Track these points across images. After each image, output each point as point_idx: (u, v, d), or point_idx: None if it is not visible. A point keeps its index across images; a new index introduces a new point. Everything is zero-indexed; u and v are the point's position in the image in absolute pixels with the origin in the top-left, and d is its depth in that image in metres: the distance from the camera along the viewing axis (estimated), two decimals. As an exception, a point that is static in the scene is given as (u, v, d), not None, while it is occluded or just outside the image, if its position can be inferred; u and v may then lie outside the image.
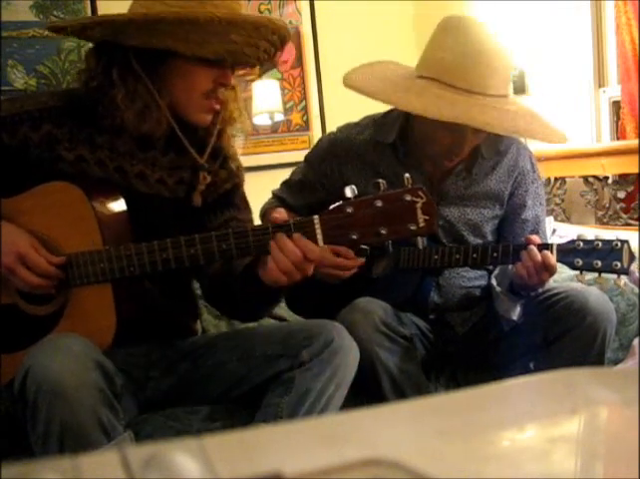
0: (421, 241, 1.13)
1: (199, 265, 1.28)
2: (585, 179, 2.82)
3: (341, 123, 1.77)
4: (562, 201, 2.95)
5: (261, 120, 3.47)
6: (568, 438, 0.53)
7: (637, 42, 2.70)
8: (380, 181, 1.12)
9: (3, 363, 1.30)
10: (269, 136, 3.59)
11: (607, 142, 2.96)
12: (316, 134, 3.60)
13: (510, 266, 1.56)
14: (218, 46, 1.26)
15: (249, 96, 3.32)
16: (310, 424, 0.63)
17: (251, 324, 1.86)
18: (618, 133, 2.90)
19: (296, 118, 3.67)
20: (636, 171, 2.48)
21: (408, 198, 1.09)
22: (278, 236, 1.15)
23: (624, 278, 1.45)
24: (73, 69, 3.13)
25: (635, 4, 2.70)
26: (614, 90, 2.96)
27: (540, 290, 1.57)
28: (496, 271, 1.65)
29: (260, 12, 3.54)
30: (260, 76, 3.39)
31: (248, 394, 1.38)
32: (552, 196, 2.92)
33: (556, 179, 2.94)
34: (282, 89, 3.57)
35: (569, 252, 1.46)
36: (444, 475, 0.43)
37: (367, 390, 1.45)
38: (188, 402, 1.43)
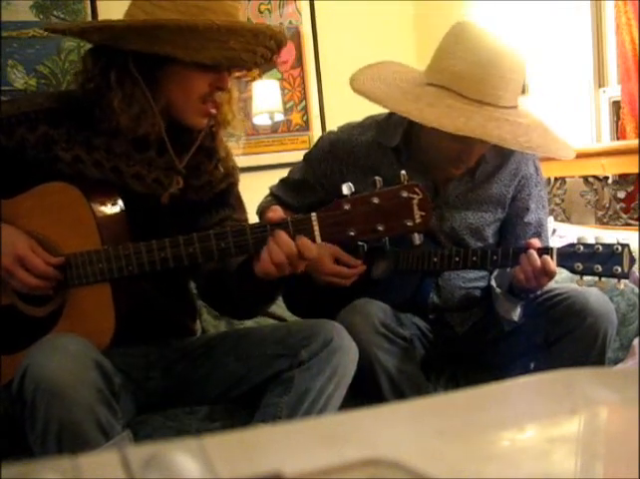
0: (417, 238, 1.13)
1: (197, 264, 1.28)
2: (585, 179, 2.82)
3: (341, 123, 1.76)
4: (562, 201, 2.95)
5: (261, 120, 3.47)
6: (568, 438, 0.53)
7: (637, 42, 2.70)
8: (376, 178, 1.12)
9: (3, 364, 1.30)
10: (269, 136, 3.60)
11: (607, 142, 2.96)
12: (316, 134, 3.60)
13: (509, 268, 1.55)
14: (216, 52, 1.27)
15: (249, 96, 3.32)
16: (310, 424, 0.63)
17: (250, 324, 1.86)
18: (618, 133, 2.89)
19: (296, 118, 3.67)
20: (636, 171, 2.48)
21: (404, 194, 1.10)
22: (278, 231, 1.16)
23: (624, 281, 1.45)
24: (73, 69, 3.13)
25: (635, 4, 2.70)
26: (614, 90, 2.96)
27: (541, 291, 1.57)
28: (496, 273, 1.65)
29: (260, 12, 3.54)
30: (260, 76, 3.39)
31: (247, 394, 1.38)
32: (552, 196, 2.91)
33: (556, 179, 2.94)
34: (282, 89, 3.57)
35: (569, 257, 1.45)
36: (444, 475, 0.43)
37: (366, 392, 1.45)
38: (188, 402, 1.43)
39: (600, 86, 3.04)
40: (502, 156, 1.65)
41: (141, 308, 1.33)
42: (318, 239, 1.15)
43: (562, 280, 1.81)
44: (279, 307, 1.91)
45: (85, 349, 1.16)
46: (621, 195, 2.70)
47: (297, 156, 1.86)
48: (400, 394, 1.49)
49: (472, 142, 1.47)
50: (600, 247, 1.42)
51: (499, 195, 1.67)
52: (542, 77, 3.05)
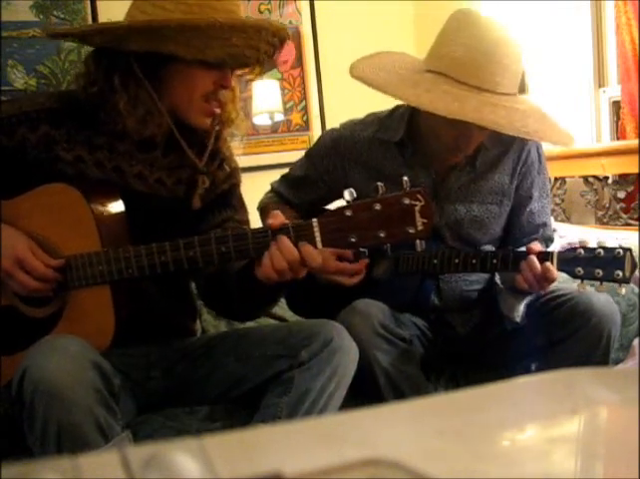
0: (419, 245, 1.13)
1: (199, 268, 1.28)
2: (585, 179, 2.82)
3: (340, 123, 1.76)
4: (562, 201, 2.95)
5: (261, 120, 3.47)
6: (568, 438, 0.53)
7: (637, 42, 2.70)
8: (379, 184, 1.12)
9: (2, 365, 1.30)
10: (269, 136, 3.59)
11: (607, 142, 2.96)
12: (316, 134, 3.60)
13: None
14: (220, 50, 1.27)
15: (249, 96, 3.31)
16: (310, 424, 0.63)
17: (250, 324, 1.86)
18: (618, 133, 2.89)
19: (296, 118, 3.67)
20: (636, 171, 2.48)
21: (406, 201, 1.10)
22: (280, 237, 1.16)
23: (625, 285, 1.43)
24: (73, 69, 3.13)
25: (635, 4, 2.70)
26: (614, 90, 2.96)
27: (543, 292, 1.57)
28: None
29: (260, 12, 3.54)
30: (260, 76, 3.39)
31: (248, 394, 1.38)
32: (552, 196, 2.91)
33: (556, 179, 2.93)
34: (282, 89, 3.56)
35: (570, 261, 1.43)
36: (444, 475, 0.43)
37: (366, 392, 1.45)
38: (188, 402, 1.43)
39: (600, 86, 3.04)
40: (504, 144, 1.65)
41: (141, 309, 1.32)
42: (319, 244, 1.15)
43: (564, 281, 1.80)
44: (280, 307, 1.91)
45: (84, 350, 1.16)
46: (621, 195, 2.70)
47: (297, 156, 1.85)
48: (400, 395, 1.49)
49: (467, 128, 1.47)
50: (602, 252, 1.40)
51: (503, 184, 1.66)
52: (542, 77, 3.05)
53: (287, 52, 3.57)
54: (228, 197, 1.47)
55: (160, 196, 1.39)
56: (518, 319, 1.56)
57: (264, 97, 3.40)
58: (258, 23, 1.33)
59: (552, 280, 1.45)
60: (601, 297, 1.50)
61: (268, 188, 1.86)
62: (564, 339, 1.51)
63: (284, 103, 3.59)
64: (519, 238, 1.70)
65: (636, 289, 1.94)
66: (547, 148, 1.67)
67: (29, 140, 1.32)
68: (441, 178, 1.64)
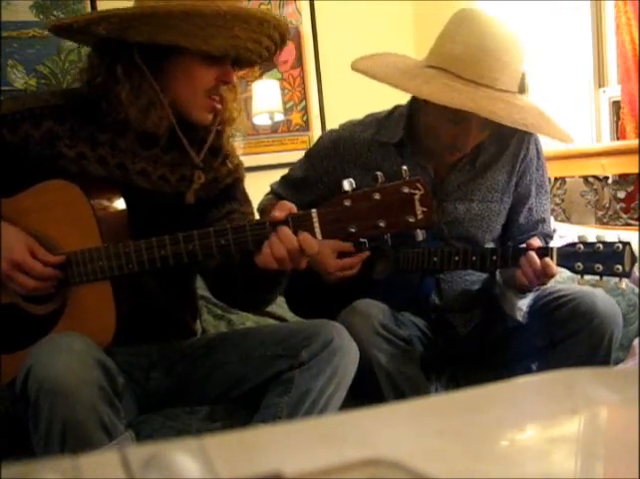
0: (420, 234, 1.12)
1: (198, 262, 1.28)
2: (585, 179, 2.82)
3: (340, 123, 1.76)
4: (562, 201, 2.95)
5: (261, 120, 3.47)
6: (568, 438, 0.53)
7: (637, 42, 2.70)
8: (378, 173, 1.11)
9: (3, 363, 1.30)
10: (269, 136, 3.59)
11: (607, 142, 2.96)
12: (316, 134, 3.60)
13: None
14: (223, 41, 1.27)
15: (249, 96, 3.32)
16: (310, 424, 0.63)
17: (250, 325, 1.86)
18: (618, 133, 2.89)
19: (296, 118, 3.67)
20: (636, 171, 2.48)
21: (405, 190, 1.09)
22: (280, 226, 1.16)
23: (625, 280, 1.43)
24: (73, 69, 3.13)
25: (635, 4, 2.70)
26: (614, 90, 2.96)
27: (546, 292, 1.56)
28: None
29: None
30: (260, 76, 3.39)
31: (248, 394, 1.38)
32: (552, 196, 2.91)
33: (556, 179, 2.93)
34: (282, 89, 3.56)
35: (570, 256, 1.43)
36: (444, 475, 0.43)
37: (366, 393, 1.44)
38: (188, 402, 1.43)
39: (600, 86, 3.04)
40: (502, 141, 1.65)
41: (142, 306, 1.33)
42: (319, 235, 1.15)
43: (564, 280, 1.80)
44: (280, 307, 1.91)
45: (88, 349, 1.16)
46: (621, 195, 2.70)
47: (297, 156, 1.86)
48: (400, 395, 1.49)
49: (469, 124, 1.48)
50: (601, 246, 1.40)
51: (503, 182, 1.66)
52: (542, 77, 3.05)
53: (287, 52, 3.57)
54: (232, 190, 1.48)
55: (163, 192, 1.39)
56: (521, 318, 1.56)
57: (264, 97, 3.41)
58: (261, 15, 1.33)
59: (552, 276, 1.45)
60: (604, 298, 1.50)
61: (268, 188, 1.86)
62: (566, 340, 1.51)
63: (284, 103, 3.59)
64: (518, 234, 1.70)
65: (636, 290, 1.94)
66: (548, 148, 1.67)
67: (32, 136, 1.32)
68: (440, 177, 1.65)
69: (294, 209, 1.19)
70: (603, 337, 1.48)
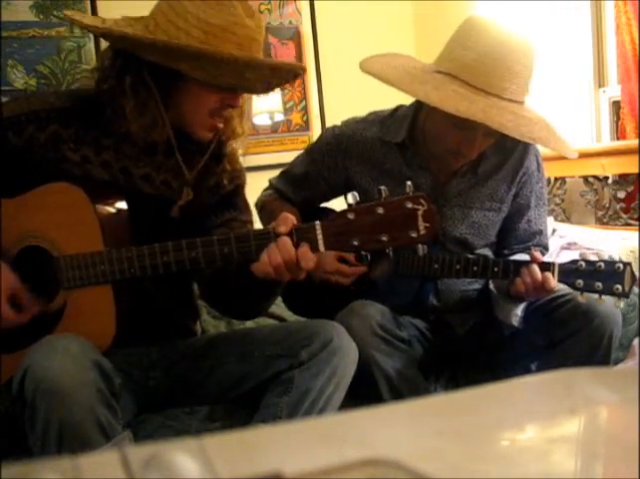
0: (421, 249, 1.13)
1: (200, 269, 1.29)
2: (585, 179, 2.81)
3: (338, 123, 1.76)
4: (562, 201, 2.95)
5: (261, 120, 3.46)
6: (568, 438, 0.53)
7: (637, 42, 2.70)
8: (382, 187, 1.12)
9: (3, 363, 1.30)
10: (269, 136, 3.59)
11: (607, 142, 2.96)
12: (316, 134, 3.60)
13: None
14: (232, 79, 1.28)
15: (249, 96, 3.31)
16: (310, 424, 0.63)
17: (250, 324, 1.86)
18: (618, 133, 2.89)
19: (296, 118, 3.67)
20: (636, 171, 2.48)
21: (409, 205, 1.10)
22: (282, 236, 1.16)
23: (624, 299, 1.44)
24: (73, 69, 3.13)
25: (635, 4, 2.70)
26: (614, 90, 2.96)
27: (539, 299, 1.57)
28: None
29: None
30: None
31: (248, 394, 1.38)
32: (552, 196, 2.91)
33: (556, 179, 2.93)
34: (282, 89, 3.56)
35: (571, 273, 1.44)
36: (443, 475, 0.43)
37: (365, 394, 1.44)
38: (188, 402, 1.43)
39: (600, 86, 3.03)
40: (504, 152, 1.65)
41: (142, 309, 1.33)
42: (322, 247, 1.15)
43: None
44: (279, 307, 1.91)
45: (84, 350, 1.16)
46: (621, 195, 2.70)
47: (297, 156, 1.85)
48: (398, 395, 1.49)
49: (475, 132, 1.47)
50: (602, 265, 1.42)
51: (502, 192, 1.66)
52: (542, 77, 3.05)
53: (287, 52, 3.57)
54: (233, 197, 1.48)
55: (165, 197, 1.40)
56: (517, 324, 1.57)
57: (264, 97, 3.40)
58: (275, 63, 1.34)
59: (550, 291, 1.46)
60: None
61: (268, 180, 1.85)
62: (565, 340, 1.51)
63: (284, 103, 3.59)
64: (515, 244, 1.70)
65: (636, 290, 1.94)
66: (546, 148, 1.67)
67: (37, 139, 1.32)
68: (441, 182, 1.65)
69: (295, 220, 1.19)
70: (603, 337, 1.48)
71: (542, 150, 1.72)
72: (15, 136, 1.32)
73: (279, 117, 3.56)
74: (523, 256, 1.60)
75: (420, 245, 1.12)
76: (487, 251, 1.70)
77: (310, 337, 1.33)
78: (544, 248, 1.72)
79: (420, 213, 1.10)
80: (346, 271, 1.60)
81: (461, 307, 1.69)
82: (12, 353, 1.29)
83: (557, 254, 2.10)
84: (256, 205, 1.81)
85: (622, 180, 2.70)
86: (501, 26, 1.49)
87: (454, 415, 0.54)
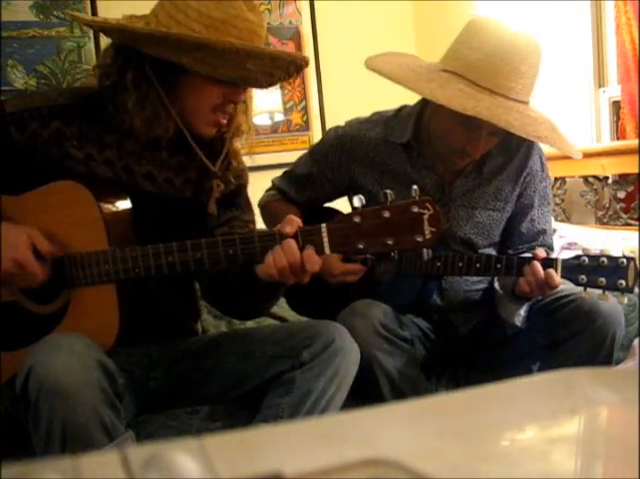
0: (426, 253, 1.13)
1: (204, 269, 1.29)
2: (585, 179, 2.82)
3: (341, 123, 1.76)
4: (562, 201, 2.95)
5: (261, 120, 3.47)
6: (568, 438, 0.53)
7: (637, 42, 2.70)
8: (388, 191, 1.12)
9: (3, 361, 1.30)
10: (269, 136, 3.59)
11: (607, 142, 2.96)
12: (316, 134, 3.60)
13: None
14: (232, 71, 1.27)
15: (249, 96, 3.31)
16: (310, 424, 0.63)
17: (251, 324, 1.86)
18: (618, 133, 2.89)
19: (296, 118, 3.67)
20: (636, 171, 2.48)
21: (415, 209, 1.10)
22: (288, 239, 1.16)
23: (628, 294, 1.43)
24: (73, 69, 3.13)
25: (635, 4, 2.70)
26: (614, 90, 2.96)
27: (544, 297, 1.57)
28: None
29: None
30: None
31: (249, 394, 1.38)
32: (552, 196, 2.91)
33: (556, 179, 2.93)
34: (282, 89, 3.56)
35: (574, 269, 1.44)
36: (443, 475, 0.43)
37: (366, 393, 1.45)
38: (189, 402, 1.43)
39: (600, 86, 3.03)
40: (509, 151, 1.65)
41: (145, 309, 1.33)
42: (327, 250, 1.15)
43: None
44: (280, 307, 1.91)
45: (88, 349, 1.16)
46: (621, 195, 2.70)
47: (297, 156, 1.85)
48: (400, 395, 1.49)
49: (480, 131, 1.47)
50: (605, 260, 1.41)
51: (507, 191, 1.66)
52: (542, 77, 3.05)
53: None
54: (236, 197, 1.48)
55: (168, 195, 1.40)
56: (520, 324, 1.57)
57: (264, 97, 3.40)
58: (275, 53, 1.33)
59: (554, 287, 1.46)
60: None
61: (271, 180, 1.85)
62: (568, 340, 1.51)
63: (284, 103, 3.59)
64: (519, 243, 1.70)
65: (636, 290, 1.94)
66: (548, 148, 1.67)
67: (40, 135, 1.32)
68: (446, 182, 1.65)
69: (300, 222, 1.19)
70: (606, 337, 1.48)
71: (544, 148, 1.72)
72: (18, 132, 1.32)
73: (279, 117, 3.56)
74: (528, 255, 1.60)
75: (425, 249, 1.12)
76: (492, 252, 1.70)
77: (312, 338, 1.33)
78: (549, 248, 1.72)
79: (426, 217, 1.10)
80: (352, 269, 1.59)
81: (464, 307, 1.69)
82: (13, 352, 1.29)
83: (558, 254, 2.10)
84: (259, 205, 1.81)
85: (622, 180, 2.70)
86: (508, 26, 1.49)
87: (454, 415, 0.54)
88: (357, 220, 1.12)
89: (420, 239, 1.10)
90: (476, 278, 1.69)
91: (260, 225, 1.71)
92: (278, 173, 1.86)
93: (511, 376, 0.62)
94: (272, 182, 1.84)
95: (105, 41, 1.41)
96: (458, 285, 1.67)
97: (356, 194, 1.15)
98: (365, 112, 1.76)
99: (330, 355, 1.31)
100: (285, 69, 1.33)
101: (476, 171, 1.64)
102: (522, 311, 1.57)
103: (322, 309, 1.58)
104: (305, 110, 3.69)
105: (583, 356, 1.47)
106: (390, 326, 1.52)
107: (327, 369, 1.30)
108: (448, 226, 1.64)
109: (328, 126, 3.57)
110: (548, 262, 1.46)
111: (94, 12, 3.17)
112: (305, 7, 3.64)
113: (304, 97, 3.68)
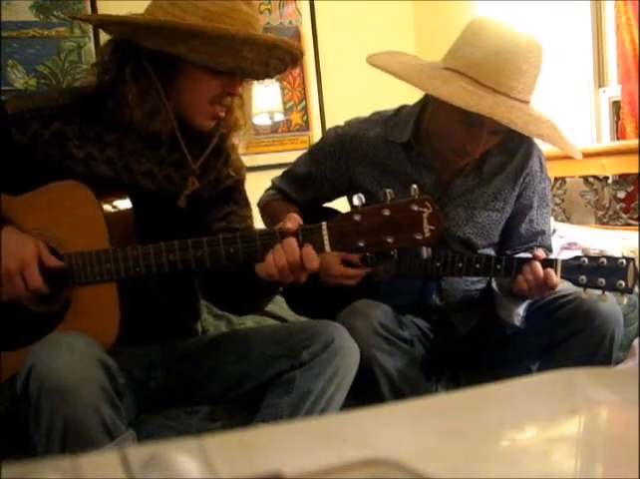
0: (425, 251, 1.14)
1: (205, 268, 1.29)
2: (585, 179, 2.82)
3: (341, 123, 1.76)
4: (562, 201, 2.95)
5: (261, 120, 3.47)
6: (568, 438, 0.53)
7: (637, 42, 2.70)
8: (387, 190, 1.13)
9: (3, 360, 1.30)
10: (269, 136, 3.59)
11: (607, 142, 2.96)
12: (316, 134, 3.60)
13: None
14: (229, 60, 1.28)
15: (248, 95, 3.31)
16: (310, 424, 0.62)
17: (251, 325, 1.86)
18: (618, 133, 2.89)
19: (296, 118, 3.67)
20: (636, 171, 2.48)
21: (414, 208, 1.11)
22: (288, 237, 1.17)
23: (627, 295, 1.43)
24: (73, 69, 3.13)
25: (635, 4, 2.70)
26: (614, 90, 2.96)
27: (542, 297, 1.57)
28: None
29: (260, 12, 3.54)
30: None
31: (248, 394, 1.38)
32: (552, 196, 2.91)
33: (556, 179, 2.93)
34: (282, 89, 3.56)
35: (574, 269, 1.44)
36: (443, 475, 0.43)
37: (366, 393, 1.45)
38: (189, 402, 1.43)
39: (600, 86, 3.03)
40: (508, 151, 1.65)
41: (146, 308, 1.33)
42: (327, 248, 1.16)
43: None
44: (280, 307, 1.91)
45: (89, 348, 1.16)
46: (621, 195, 2.70)
47: (297, 156, 1.85)
48: (400, 395, 1.49)
49: (481, 129, 1.47)
50: (605, 261, 1.41)
51: (506, 192, 1.66)
52: (542, 77, 3.05)
53: (287, 52, 3.57)
54: (232, 192, 1.49)
55: (167, 192, 1.40)
56: (519, 323, 1.56)
57: (264, 97, 3.40)
58: (272, 40, 1.33)
59: (553, 287, 1.46)
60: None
61: (271, 180, 1.85)
62: (567, 339, 1.51)
63: (284, 103, 3.59)
64: (518, 244, 1.70)
65: (636, 289, 1.94)
66: (548, 148, 1.67)
67: (41, 136, 1.32)
68: (446, 181, 1.65)
69: (301, 220, 1.20)
70: (605, 337, 1.48)
71: (544, 148, 1.72)
72: (19, 132, 1.32)
73: (279, 117, 3.56)
74: (526, 255, 1.60)
75: (424, 248, 1.13)
76: (491, 252, 1.70)
77: (311, 338, 1.33)
78: (548, 249, 1.72)
79: (425, 215, 1.11)
80: (351, 274, 1.60)
81: (463, 307, 1.69)
82: (13, 351, 1.29)
83: (558, 255, 2.10)
84: (259, 204, 1.81)
85: (622, 180, 2.70)
86: (509, 26, 1.50)
87: (454, 415, 0.54)
88: (357, 218, 1.13)
89: (419, 236, 1.11)
90: (475, 279, 1.69)
91: (258, 223, 1.71)
92: (278, 173, 1.86)
93: (511, 376, 0.62)
94: (272, 181, 1.84)
95: (104, 41, 1.42)
96: (457, 286, 1.67)
97: (356, 193, 1.15)
98: (365, 112, 1.76)
99: (329, 355, 1.31)
100: (281, 58, 1.33)
101: (475, 170, 1.64)
102: (521, 311, 1.57)
103: (321, 309, 1.58)
104: (305, 110, 3.69)
105: (582, 356, 1.47)
106: (390, 327, 1.52)
107: (326, 369, 1.30)
108: (447, 225, 1.64)
109: (328, 126, 3.56)
110: (548, 263, 1.46)
111: (94, 12, 3.17)
112: (305, 7, 3.64)
113: (304, 97, 3.68)
